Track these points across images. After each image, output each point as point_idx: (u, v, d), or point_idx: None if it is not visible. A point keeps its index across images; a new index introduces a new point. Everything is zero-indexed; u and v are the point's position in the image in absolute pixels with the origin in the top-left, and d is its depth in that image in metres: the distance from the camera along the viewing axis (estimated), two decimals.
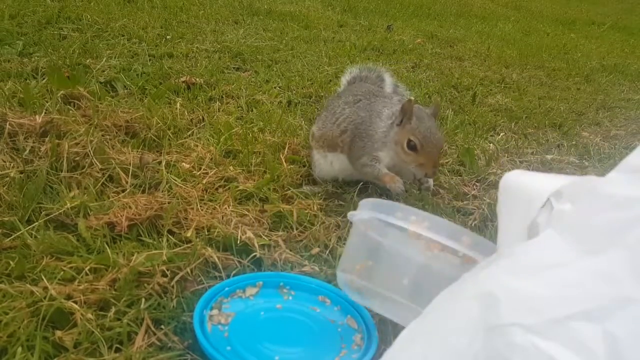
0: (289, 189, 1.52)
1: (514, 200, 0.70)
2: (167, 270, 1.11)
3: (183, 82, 2.24)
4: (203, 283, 1.12)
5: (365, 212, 0.94)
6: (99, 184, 1.38)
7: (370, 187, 1.59)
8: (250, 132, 1.82)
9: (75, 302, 0.97)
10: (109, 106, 1.80)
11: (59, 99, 1.77)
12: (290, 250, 1.26)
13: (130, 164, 1.46)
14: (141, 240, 1.21)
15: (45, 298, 0.97)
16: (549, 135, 2.31)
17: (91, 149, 1.46)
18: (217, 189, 1.48)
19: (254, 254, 1.21)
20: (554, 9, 7.57)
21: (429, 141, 1.40)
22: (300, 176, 1.63)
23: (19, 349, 0.87)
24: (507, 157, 2.00)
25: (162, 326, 0.98)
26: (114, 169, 1.44)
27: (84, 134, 1.52)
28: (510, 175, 0.71)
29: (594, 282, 0.57)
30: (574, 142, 2.24)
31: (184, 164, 1.55)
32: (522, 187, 0.70)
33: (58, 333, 0.91)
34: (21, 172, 1.35)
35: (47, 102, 1.74)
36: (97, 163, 1.43)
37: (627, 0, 9.73)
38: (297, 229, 1.35)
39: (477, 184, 1.75)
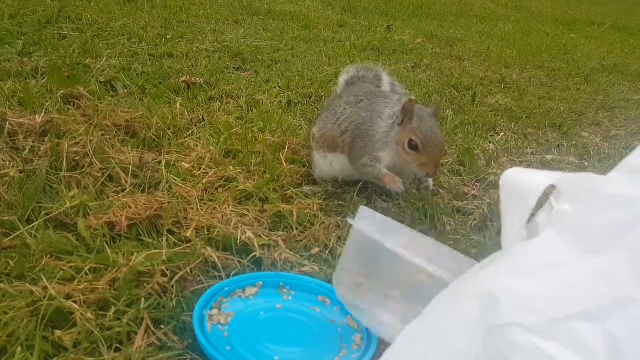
0: (289, 189, 1.52)
1: (512, 197, 0.70)
2: (167, 270, 1.11)
3: (183, 81, 2.24)
4: (203, 283, 1.11)
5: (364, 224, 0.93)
6: (99, 184, 1.38)
7: (370, 187, 1.59)
8: (250, 132, 1.82)
9: (75, 302, 0.97)
10: (108, 106, 1.80)
11: (59, 99, 1.77)
12: (290, 250, 1.26)
13: (130, 163, 1.46)
14: (141, 240, 1.21)
15: (44, 298, 0.97)
16: (549, 135, 2.31)
17: (91, 148, 1.46)
18: (217, 188, 1.48)
19: (254, 254, 1.21)
20: (554, 9, 7.57)
21: (431, 141, 1.40)
22: (300, 176, 1.63)
23: (19, 349, 0.87)
24: (507, 157, 2.00)
25: (162, 326, 0.98)
26: (113, 168, 1.44)
27: (84, 134, 1.52)
28: (509, 172, 0.71)
29: (594, 282, 0.57)
30: (574, 142, 2.24)
31: (183, 163, 1.54)
32: (520, 183, 0.70)
33: (58, 333, 0.91)
34: (21, 172, 1.35)
35: (47, 101, 1.74)
36: (97, 163, 1.43)
37: (627, 1, 9.73)
38: (297, 229, 1.35)
39: (477, 184, 1.75)
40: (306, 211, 1.41)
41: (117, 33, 2.80)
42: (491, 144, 2.08)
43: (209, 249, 1.19)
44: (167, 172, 1.47)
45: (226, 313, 1.03)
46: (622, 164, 0.66)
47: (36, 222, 1.19)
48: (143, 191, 1.40)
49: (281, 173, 1.58)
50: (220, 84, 2.32)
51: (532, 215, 0.94)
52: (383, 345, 0.98)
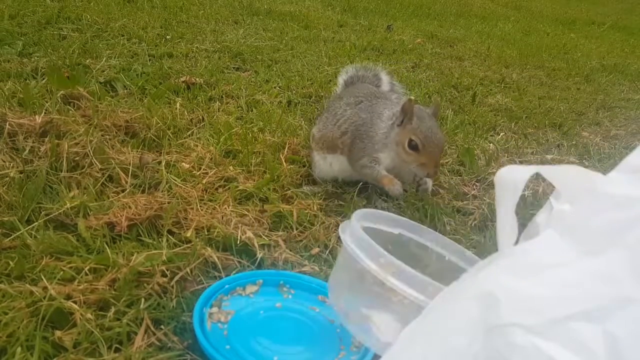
0: (289, 189, 1.52)
1: (504, 191, 0.71)
2: (167, 270, 1.11)
3: (183, 82, 2.24)
4: (203, 283, 1.11)
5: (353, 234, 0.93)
6: (99, 184, 1.38)
7: (370, 187, 1.59)
8: (250, 132, 1.82)
9: (75, 302, 0.97)
10: (108, 106, 1.80)
11: (59, 99, 1.77)
12: (290, 250, 1.26)
13: (130, 164, 1.46)
14: (141, 240, 1.21)
15: (44, 298, 0.97)
16: (549, 135, 2.31)
17: (91, 149, 1.46)
18: (217, 189, 1.48)
19: (254, 254, 1.21)
20: (554, 8, 7.57)
21: (430, 141, 1.40)
22: (300, 176, 1.63)
23: (19, 349, 0.87)
24: (507, 157, 2.00)
25: (162, 326, 0.98)
26: (113, 169, 1.44)
27: (84, 134, 1.51)
28: (502, 170, 0.72)
29: (594, 282, 0.57)
30: (574, 142, 2.24)
31: (183, 164, 1.54)
32: (511, 177, 0.70)
33: (57, 333, 0.91)
34: (21, 172, 1.35)
35: (46, 102, 1.74)
36: (97, 163, 1.43)
37: (627, 0, 9.73)
38: (297, 229, 1.35)
39: (477, 184, 1.75)
40: (306, 211, 1.41)
41: (116, 33, 2.80)
42: (491, 144, 2.08)
43: (209, 249, 1.19)
44: (167, 173, 1.47)
45: (226, 311, 1.03)
46: (622, 163, 0.66)
47: (36, 223, 1.19)
48: (143, 191, 1.40)
49: (281, 173, 1.58)
50: (220, 84, 2.32)
51: (532, 215, 0.95)
52: None
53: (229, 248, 1.23)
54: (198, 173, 1.52)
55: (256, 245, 1.23)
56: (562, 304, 0.57)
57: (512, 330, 0.56)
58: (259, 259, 1.21)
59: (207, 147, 1.67)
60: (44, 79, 1.97)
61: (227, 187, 1.48)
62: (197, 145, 1.67)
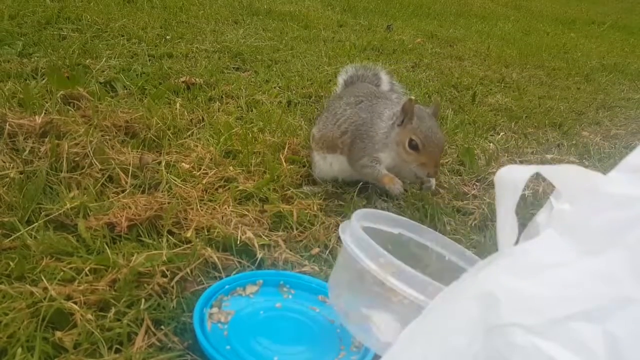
0: (289, 189, 1.52)
1: (504, 190, 0.71)
2: (167, 270, 1.11)
3: (183, 82, 2.23)
4: (203, 283, 1.12)
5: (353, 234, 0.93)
6: (99, 185, 1.38)
7: (370, 187, 1.59)
8: (250, 132, 1.82)
9: (75, 303, 0.97)
10: (108, 106, 1.80)
11: (59, 100, 1.77)
12: (290, 250, 1.26)
13: (130, 164, 1.46)
14: (141, 240, 1.21)
15: (45, 299, 0.97)
16: (548, 134, 2.31)
17: (91, 149, 1.46)
18: (217, 189, 1.48)
19: (254, 254, 1.21)
20: (554, 8, 7.57)
21: (431, 140, 1.40)
22: (300, 176, 1.63)
23: (19, 350, 0.87)
24: (507, 156, 2.00)
25: (162, 327, 0.98)
26: (113, 169, 1.44)
27: (84, 135, 1.51)
28: (502, 170, 0.72)
29: (594, 282, 0.57)
30: (574, 142, 2.24)
31: (183, 164, 1.54)
32: (510, 176, 0.70)
33: (58, 334, 0.91)
34: (21, 173, 1.35)
35: (46, 102, 1.74)
36: (97, 163, 1.43)
37: (627, 0, 9.73)
38: (297, 229, 1.35)
39: (477, 183, 1.75)
40: (306, 211, 1.41)
41: (116, 34, 2.80)
42: (491, 144, 2.08)
43: (209, 249, 1.19)
44: (167, 173, 1.47)
45: (226, 311, 1.03)
46: (622, 163, 0.66)
47: (36, 223, 1.19)
48: (143, 192, 1.40)
49: (281, 173, 1.58)
50: (220, 84, 2.32)
51: (532, 215, 0.94)
52: None
53: (229, 248, 1.23)
54: (198, 173, 1.52)
55: (256, 245, 1.23)
56: (562, 304, 0.57)
57: (512, 330, 0.56)
58: (259, 259, 1.21)
59: (207, 147, 1.67)
60: (44, 79, 1.97)
61: (227, 188, 1.48)
62: (197, 146, 1.67)
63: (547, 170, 0.71)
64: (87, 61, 2.28)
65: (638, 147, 0.66)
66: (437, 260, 1.07)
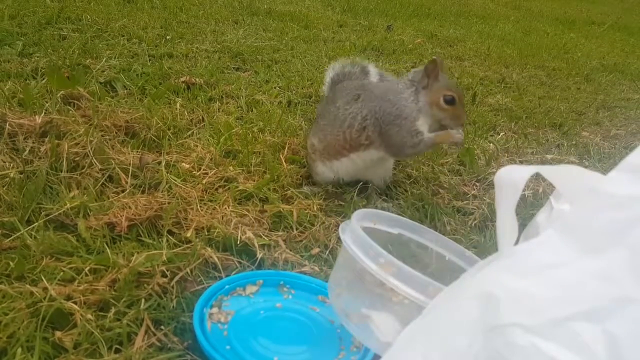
0: (289, 189, 1.52)
1: (504, 190, 0.71)
2: (167, 270, 1.11)
3: (183, 82, 2.23)
4: (203, 283, 1.11)
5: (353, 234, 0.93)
6: (99, 184, 1.38)
7: (370, 187, 1.59)
8: (250, 132, 1.82)
9: (75, 303, 0.97)
10: (108, 106, 1.80)
11: (59, 99, 1.77)
12: (290, 250, 1.26)
13: (130, 164, 1.46)
14: (141, 240, 1.21)
15: (45, 299, 0.97)
16: (549, 134, 2.31)
17: (91, 149, 1.46)
18: (217, 189, 1.48)
19: (254, 254, 1.21)
20: (554, 8, 7.57)
21: (459, 91, 1.47)
22: (300, 176, 1.63)
23: (19, 350, 0.87)
24: (507, 156, 2.00)
25: (162, 327, 0.98)
26: (113, 169, 1.44)
27: (84, 134, 1.51)
28: (501, 170, 0.72)
29: (594, 282, 0.57)
30: (574, 142, 2.24)
31: (183, 164, 1.54)
32: (510, 176, 0.70)
33: (58, 334, 0.91)
34: (21, 173, 1.35)
35: (46, 102, 1.74)
36: (97, 163, 1.43)
37: (627, 0, 9.73)
38: (297, 229, 1.35)
39: (477, 183, 1.75)
40: (306, 211, 1.41)
41: (116, 34, 2.80)
42: (491, 144, 2.08)
43: (209, 249, 1.19)
44: (167, 173, 1.47)
45: (226, 311, 1.03)
46: (622, 163, 0.66)
47: (36, 223, 1.19)
48: (143, 192, 1.40)
49: (281, 173, 1.58)
50: (220, 84, 2.32)
51: (532, 215, 0.94)
52: None
53: (229, 248, 1.23)
54: (198, 173, 1.52)
55: (256, 245, 1.23)
56: (562, 304, 0.57)
57: (512, 330, 0.56)
58: (259, 259, 1.21)
59: (207, 147, 1.67)
60: (44, 79, 1.97)
61: (227, 188, 1.48)
62: (197, 146, 1.67)
63: (547, 171, 0.71)
64: (87, 61, 2.28)
65: (638, 147, 0.66)
66: (437, 260, 1.07)
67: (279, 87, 2.42)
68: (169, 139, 1.69)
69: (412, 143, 1.45)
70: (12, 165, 1.38)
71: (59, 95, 1.79)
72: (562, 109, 2.70)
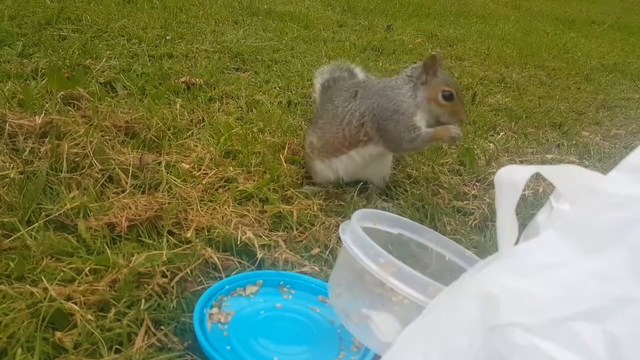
0: (289, 189, 1.52)
1: (504, 190, 0.71)
2: (167, 271, 1.11)
3: (183, 82, 2.23)
4: (203, 284, 1.12)
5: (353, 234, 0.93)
6: (99, 185, 1.38)
7: (370, 187, 1.59)
8: (250, 133, 1.82)
9: (75, 303, 0.97)
10: (108, 107, 1.80)
11: (59, 100, 1.77)
12: (291, 251, 1.26)
13: (130, 164, 1.46)
14: (141, 241, 1.21)
15: (45, 299, 0.97)
16: (549, 134, 2.31)
17: (91, 149, 1.46)
18: (217, 189, 1.48)
19: (254, 254, 1.21)
20: (554, 8, 7.57)
21: (458, 87, 1.47)
22: (300, 176, 1.63)
23: (19, 350, 0.87)
24: (507, 156, 2.00)
25: (162, 327, 0.98)
26: (113, 169, 1.44)
27: (84, 135, 1.52)
28: (502, 170, 0.72)
29: (594, 282, 0.57)
30: (574, 142, 2.24)
31: (183, 164, 1.54)
32: (510, 176, 0.71)
33: (58, 334, 0.91)
34: (21, 173, 1.35)
35: (46, 102, 1.74)
36: (97, 164, 1.43)
37: (627, 0, 9.73)
38: (297, 229, 1.35)
39: (477, 183, 1.75)
40: (306, 211, 1.41)
41: (116, 34, 2.80)
42: (491, 144, 2.08)
43: (209, 249, 1.19)
44: (167, 173, 1.47)
45: (226, 312, 1.03)
46: (622, 163, 0.66)
47: (36, 224, 1.19)
48: (143, 192, 1.40)
49: (281, 173, 1.58)
50: (220, 84, 2.32)
51: (532, 215, 0.94)
52: None
53: (229, 248, 1.23)
54: (198, 173, 1.52)
55: (256, 245, 1.23)
56: (562, 303, 0.57)
57: (512, 330, 0.56)
58: (259, 260, 1.21)
59: (207, 147, 1.67)
60: (44, 79, 1.97)
61: (227, 188, 1.48)
62: (197, 146, 1.67)
63: (547, 170, 0.71)
64: (87, 61, 2.28)
65: (638, 147, 0.66)
66: (437, 260, 1.07)
67: (279, 87, 2.42)
68: (169, 140, 1.69)
69: (410, 138, 1.45)
70: (12, 165, 1.38)
71: (59, 95, 1.79)
72: (562, 109, 2.70)
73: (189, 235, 1.23)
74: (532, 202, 1.59)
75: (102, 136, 1.59)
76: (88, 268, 1.07)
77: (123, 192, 1.38)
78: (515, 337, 0.55)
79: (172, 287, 1.07)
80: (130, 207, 1.26)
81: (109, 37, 2.75)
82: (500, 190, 0.71)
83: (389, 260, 0.85)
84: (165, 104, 1.99)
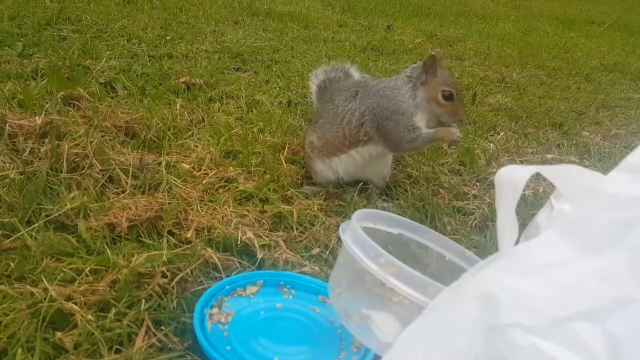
0: (289, 190, 1.52)
1: (504, 190, 0.71)
2: (167, 271, 1.11)
3: (183, 82, 2.23)
4: (203, 284, 1.12)
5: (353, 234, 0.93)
6: (99, 185, 1.38)
7: (370, 187, 1.59)
8: (250, 133, 1.82)
9: (75, 303, 0.97)
10: (108, 107, 1.80)
11: (59, 100, 1.77)
12: (291, 251, 1.26)
13: (130, 164, 1.46)
14: (141, 241, 1.21)
15: (45, 299, 0.97)
16: (549, 134, 2.31)
17: (91, 150, 1.46)
18: (217, 189, 1.48)
19: (255, 254, 1.21)
20: (554, 8, 7.57)
21: (458, 87, 1.47)
22: (300, 176, 1.63)
23: (19, 350, 0.87)
24: (507, 156, 2.00)
25: (162, 327, 0.98)
26: (113, 169, 1.44)
27: (84, 135, 1.52)
28: (502, 170, 0.72)
29: (594, 282, 0.57)
30: (574, 142, 2.24)
31: (184, 164, 1.54)
32: (510, 176, 0.71)
33: (58, 334, 0.91)
34: (21, 173, 1.35)
35: (47, 103, 1.74)
36: (97, 164, 1.43)
37: (627, 0, 9.73)
38: (297, 229, 1.35)
39: (477, 183, 1.75)
40: (306, 211, 1.41)
41: (116, 34, 2.80)
42: (491, 144, 2.08)
43: (209, 249, 1.19)
44: (167, 173, 1.47)
45: (226, 312, 1.03)
46: (622, 163, 0.66)
47: (36, 224, 1.19)
48: (143, 192, 1.40)
49: (281, 173, 1.58)
50: (220, 84, 2.32)
51: (533, 215, 0.94)
52: None
53: (230, 249, 1.23)
54: (198, 174, 1.52)
55: (256, 245, 1.23)
56: (562, 304, 0.57)
57: (512, 330, 0.56)
58: (259, 260, 1.21)
59: (207, 147, 1.67)
60: (44, 79, 1.97)
61: (227, 188, 1.48)
62: (197, 146, 1.67)
63: (547, 170, 0.71)
64: (87, 62, 2.28)
65: (638, 147, 0.66)
66: (437, 261, 1.07)
67: (279, 87, 2.42)
68: (169, 140, 1.69)
69: (410, 138, 1.45)
70: (12, 166, 1.38)
71: (59, 96, 1.79)
72: (562, 109, 2.70)
73: (189, 235, 1.23)
74: (532, 202, 1.59)
75: (102, 136, 1.59)
76: (88, 268, 1.07)
77: (123, 192, 1.38)
78: (516, 337, 0.55)
79: (173, 288, 1.07)
80: (130, 208, 1.26)
81: (109, 37, 2.75)
82: (500, 190, 0.71)
83: (389, 260, 0.85)
84: (165, 104, 1.99)
